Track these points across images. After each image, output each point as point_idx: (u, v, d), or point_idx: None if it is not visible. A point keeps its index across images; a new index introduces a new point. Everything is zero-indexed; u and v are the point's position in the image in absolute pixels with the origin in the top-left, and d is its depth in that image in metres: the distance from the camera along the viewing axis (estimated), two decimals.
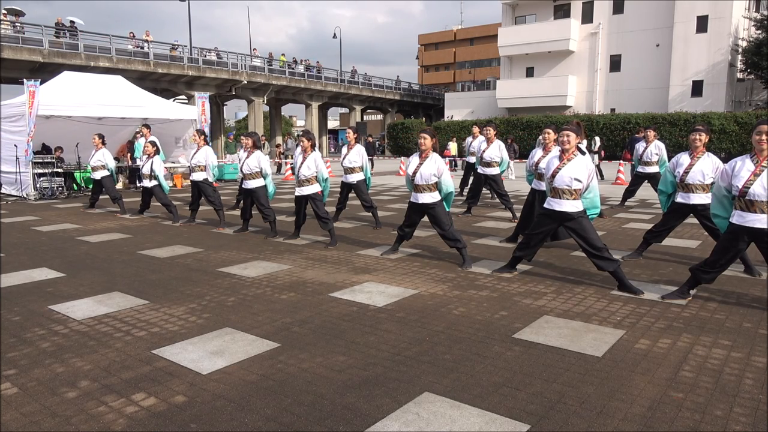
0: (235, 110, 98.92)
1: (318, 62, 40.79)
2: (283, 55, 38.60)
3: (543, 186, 6.07)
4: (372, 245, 6.96)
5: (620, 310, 4.24)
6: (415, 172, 5.81)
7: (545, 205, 5.04)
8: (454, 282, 5.14)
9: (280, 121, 44.96)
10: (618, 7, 33.94)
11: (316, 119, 42.35)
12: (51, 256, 6.49)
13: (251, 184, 7.67)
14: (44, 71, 23.34)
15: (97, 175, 10.26)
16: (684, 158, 5.60)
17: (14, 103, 13.13)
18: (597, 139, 18.23)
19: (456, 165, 23.35)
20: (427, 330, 3.85)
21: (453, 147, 23.68)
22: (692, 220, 7.10)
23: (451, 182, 5.83)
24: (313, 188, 7.00)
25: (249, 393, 2.91)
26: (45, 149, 14.14)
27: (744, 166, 4.15)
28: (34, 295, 4.83)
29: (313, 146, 7.03)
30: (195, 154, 8.81)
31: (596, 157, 17.81)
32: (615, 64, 34.52)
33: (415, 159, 5.91)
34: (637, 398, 2.81)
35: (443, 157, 22.84)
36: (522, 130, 31.08)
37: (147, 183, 9.27)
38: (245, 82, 33.22)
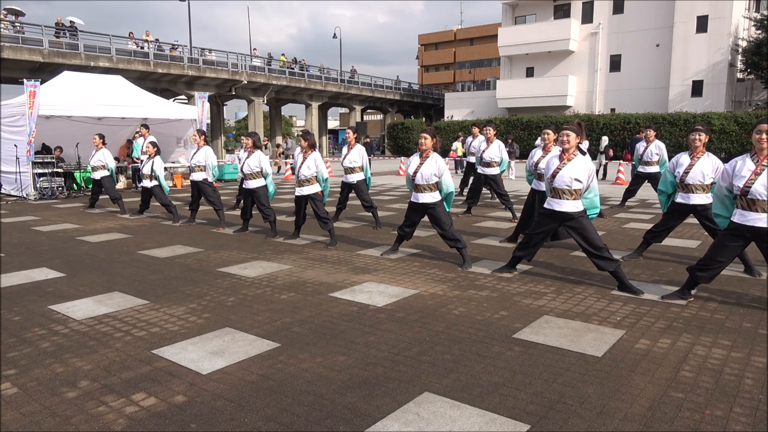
0: (235, 110, 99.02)
1: (321, 63, 40.80)
2: (283, 55, 38.62)
3: (543, 186, 6.08)
4: (372, 245, 6.96)
5: (620, 310, 4.24)
6: (415, 172, 5.81)
7: (545, 205, 5.04)
8: (454, 282, 5.14)
9: (280, 121, 44.96)
10: (618, 7, 33.94)
11: (316, 119, 42.35)
12: (51, 256, 6.49)
13: (252, 184, 7.67)
14: (44, 71, 23.34)
15: (97, 175, 10.26)
16: (684, 158, 5.60)
17: (14, 103, 13.13)
18: (605, 138, 18.23)
19: (462, 165, 22.81)
20: (427, 330, 3.85)
21: (458, 147, 23.54)
22: (692, 220, 7.10)
23: (451, 182, 5.84)
24: (313, 188, 6.99)
25: (249, 393, 2.91)
26: (45, 149, 14.14)
27: (745, 166, 4.16)
28: (34, 295, 4.83)
29: (312, 146, 7.02)
30: (195, 154, 8.81)
31: (603, 156, 17.81)
32: (615, 64, 34.53)
33: (415, 159, 5.91)
34: (637, 398, 2.81)
35: (450, 158, 22.70)
36: (522, 130, 31.08)
37: (147, 183, 9.27)
38: (245, 82, 33.22)
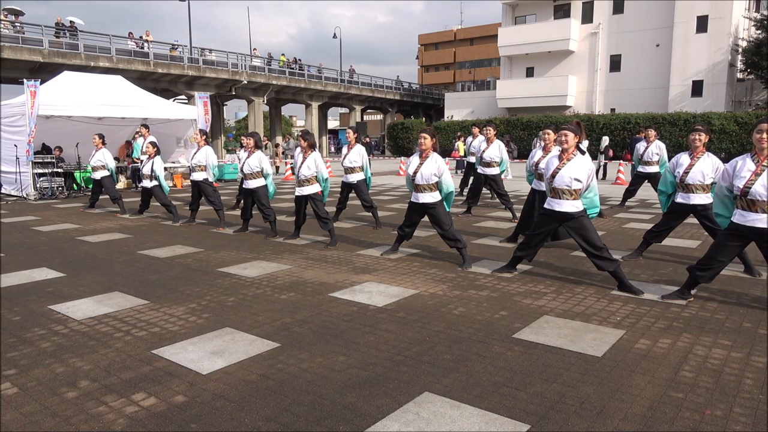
0: (235, 110, 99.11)
1: (320, 63, 40.80)
2: (283, 55, 38.61)
3: (543, 186, 6.08)
4: (372, 245, 6.96)
5: (620, 310, 4.24)
6: (415, 172, 5.81)
7: (545, 206, 5.04)
8: (454, 282, 5.14)
9: (280, 121, 44.96)
10: (618, 7, 33.94)
11: (316, 119, 42.35)
12: (51, 256, 6.49)
13: (252, 183, 7.67)
14: (44, 71, 23.34)
15: (97, 175, 10.26)
16: (684, 158, 5.60)
17: (14, 103, 13.13)
18: (605, 138, 18.25)
19: (462, 166, 22.40)
20: (427, 330, 3.85)
21: (460, 147, 23.45)
22: (692, 220, 7.10)
23: (451, 182, 5.84)
24: (313, 188, 7.00)
25: (249, 393, 2.91)
26: (45, 149, 14.14)
27: (745, 166, 4.15)
28: (34, 295, 4.83)
29: (312, 146, 7.01)
30: (195, 153, 8.81)
31: (603, 156, 17.83)
32: (615, 64, 34.53)
33: (415, 159, 5.91)
34: (637, 398, 2.81)
35: (451, 158, 22.64)
36: (522, 130, 31.09)
37: (147, 183, 9.27)
38: (245, 82, 33.22)
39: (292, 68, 37.72)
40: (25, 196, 12.77)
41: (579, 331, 3.78)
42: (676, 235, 7.29)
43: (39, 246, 7.11)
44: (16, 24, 24.36)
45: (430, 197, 5.80)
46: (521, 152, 25.23)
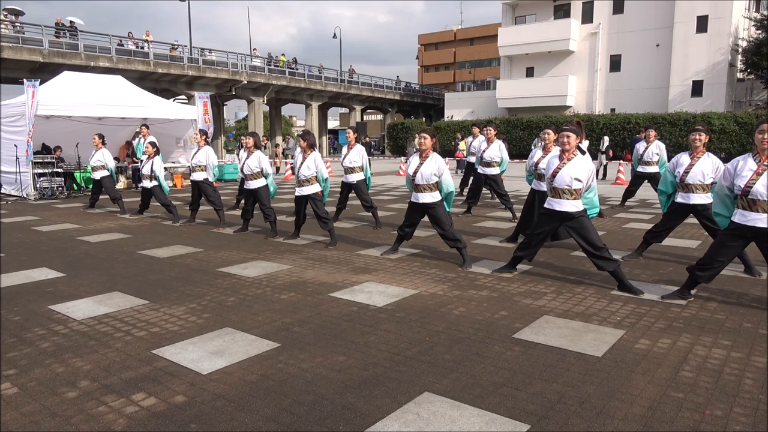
0: (235, 110, 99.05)
1: (320, 63, 40.81)
2: (283, 55, 38.61)
3: (543, 186, 6.08)
4: (372, 245, 6.96)
5: (620, 310, 4.24)
6: (415, 172, 5.81)
7: (545, 205, 5.04)
8: (454, 282, 5.14)
9: (280, 121, 44.97)
10: (618, 7, 33.95)
11: (316, 119, 42.36)
12: (51, 256, 6.49)
13: (253, 184, 7.67)
14: (44, 71, 23.34)
15: (97, 175, 10.26)
16: (684, 158, 5.60)
17: (14, 103, 13.13)
18: (606, 138, 18.27)
19: (462, 165, 22.19)
20: (427, 330, 3.85)
21: (463, 146, 23.30)
22: (692, 220, 7.10)
23: (451, 182, 5.84)
24: (313, 188, 7.00)
25: (249, 393, 2.91)
26: (45, 149, 14.13)
27: (746, 166, 4.16)
28: (34, 295, 4.83)
29: (311, 146, 7.01)
30: (195, 153, 8.81)
31: (604, 156, 17.83)
32: (615, 64, 34.54)
33: (415, 159, 5.91)
34: (637, 398, 2.81)
35: (455, 158, 22.56)
36: (522, 130, 31.11)
37: (147, 183, 9.27)
38: (245, 82, 33.22)
39: (292, 68, 37.74)
40: (25, 196, 12.77)
41: (579, 331, 3.78)
42: (676, 235, 7.29)
43: (39, 246, 7.11)
44: (16, 24, 24.37)
45: (430, 197, 5.80)
46: (519, 152, 25.22)
